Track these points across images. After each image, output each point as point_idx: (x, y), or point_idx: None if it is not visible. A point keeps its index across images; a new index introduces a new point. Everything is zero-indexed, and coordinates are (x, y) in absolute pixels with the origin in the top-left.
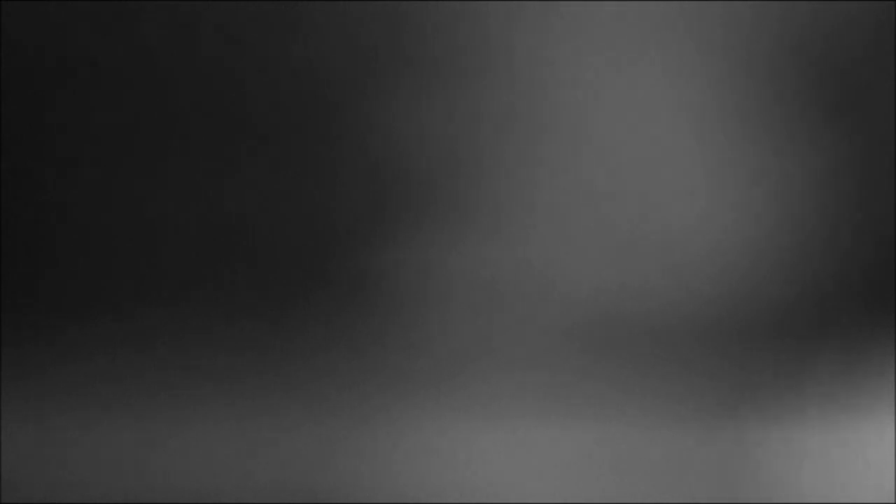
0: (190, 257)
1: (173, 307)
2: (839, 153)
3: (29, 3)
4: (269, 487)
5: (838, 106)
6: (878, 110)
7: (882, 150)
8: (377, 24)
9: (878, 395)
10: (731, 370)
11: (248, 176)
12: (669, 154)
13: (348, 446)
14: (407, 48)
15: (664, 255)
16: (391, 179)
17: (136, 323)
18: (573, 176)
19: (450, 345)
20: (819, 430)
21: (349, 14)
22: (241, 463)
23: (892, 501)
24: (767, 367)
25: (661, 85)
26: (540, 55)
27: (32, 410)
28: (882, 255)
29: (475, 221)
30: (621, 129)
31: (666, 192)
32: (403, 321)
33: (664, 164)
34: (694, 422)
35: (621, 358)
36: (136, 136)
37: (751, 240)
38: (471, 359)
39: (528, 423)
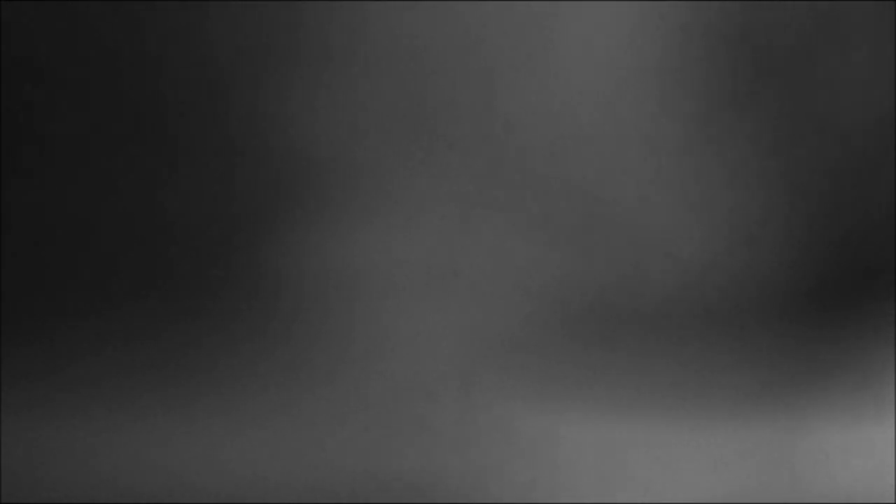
0: (88, 254)
1: (65, 305)
2: (839, 146)
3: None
4: (173, 486)
5: (836, 100)
6: (878, 106)
7: (884, 147)
8: (274, 15)
9: (879, 394)
10: (724, 367)
11: (144, 171)
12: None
13: (250, 443)
14: (304, 40)
15: (609, 244)
16: (290, 172)
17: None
18: (480, 164)
19: (354, 339)
20: (817, 428)
21: (246, 6)
22: (152, 461)
23: (893, 502)
24: (763, 362)
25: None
26: (441, 45)
27: (32, 410)
28: (881, 248)
29: (375, 213)
30: (543, 114)
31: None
32: (305, 314)
33: (597, 148)
34: (688, 418)
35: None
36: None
37: (743, 233)
38: (376, 352)
39: (446, 420)
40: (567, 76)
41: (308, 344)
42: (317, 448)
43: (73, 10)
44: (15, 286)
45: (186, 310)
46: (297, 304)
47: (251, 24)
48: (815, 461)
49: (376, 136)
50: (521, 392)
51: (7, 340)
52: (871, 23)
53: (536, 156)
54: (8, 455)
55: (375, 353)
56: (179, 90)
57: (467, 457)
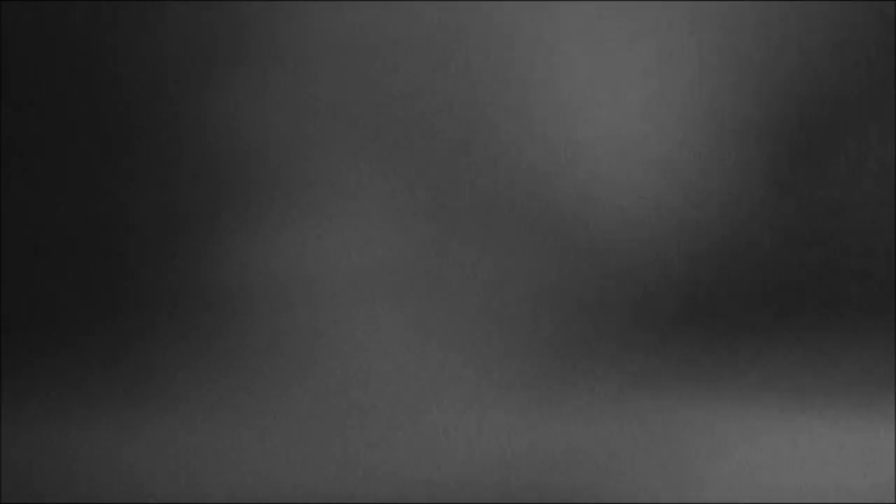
0: (33, 258)
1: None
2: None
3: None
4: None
5: (837, 100)
6: (882, 106)
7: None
8: (217, 16)
9: (879, 393)
10: (710, 358)
11: (85, 175)
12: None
13: (202, 448)
14: (249, 40)
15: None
16: (233, 172)
17: None
18: (434, 165)
19: (306, 341)
20: (816, 427)
21: (191, 6)
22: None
23: (893, 502)
24: (761, 357)
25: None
26: (393, 43)
27: (32, 410)
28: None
29: (324, 216)
30: (502, 112)
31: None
32: (252, 317)
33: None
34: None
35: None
36: None
37: (735, 228)
38: (328, 356)
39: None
40: (527, 74)
41: (254, 345)
42: (293, 451)
43: (12, 9)
44: None
45: (131, 311)
46: (248, 310)
47: (196, 23)
48: None
49: (325, 137)
50: (495, 396)
51: None
52: None
53: (495, 156)
54: (9, 455)
55: (331, 358)
56: (122, 91)
57: (435, 464)
